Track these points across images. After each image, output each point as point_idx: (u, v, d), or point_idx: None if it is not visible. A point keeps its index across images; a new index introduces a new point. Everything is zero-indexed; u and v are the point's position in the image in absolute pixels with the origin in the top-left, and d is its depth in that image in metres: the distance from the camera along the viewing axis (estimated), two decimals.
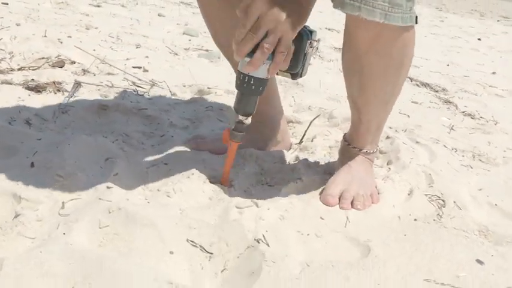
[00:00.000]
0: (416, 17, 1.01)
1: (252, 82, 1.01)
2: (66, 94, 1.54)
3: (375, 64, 1.05)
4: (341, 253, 0.95)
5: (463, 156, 1.52)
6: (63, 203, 0.97)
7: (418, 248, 0.99)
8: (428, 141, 1.56)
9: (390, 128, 1.65)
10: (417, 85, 2.43)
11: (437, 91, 2.38)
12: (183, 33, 2.88)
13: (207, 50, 2.48)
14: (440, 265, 0.94)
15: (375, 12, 0.93)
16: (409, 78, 2.53)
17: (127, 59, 2.08)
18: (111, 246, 0.89)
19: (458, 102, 2.19)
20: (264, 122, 1.31)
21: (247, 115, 1.06)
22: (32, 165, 1.09)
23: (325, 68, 2.52)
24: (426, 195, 1.20)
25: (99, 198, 0.98)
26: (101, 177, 1.09)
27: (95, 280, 0.78)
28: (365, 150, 1.19)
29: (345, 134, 1.26)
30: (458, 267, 0.94)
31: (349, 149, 1.21)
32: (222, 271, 0.89)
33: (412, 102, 2.12)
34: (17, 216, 0.91)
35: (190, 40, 2.73)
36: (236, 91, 1.05)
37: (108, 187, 1.04)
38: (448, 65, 3.25)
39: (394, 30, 0.98)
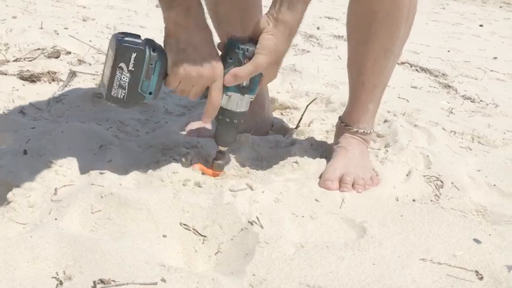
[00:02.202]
0: None
1: (226, 115, 1.05)
2: (61, 84, 1.53)
3: (388, 10, 1.07)
4: (336, 234, 0.94)
5: (462, 138, 1.50)
6: (55, 189, 0.97)
7: (415, 228, 0.98)
8: (427, 124, 1.55)
9: (388, 112, 1.64)
10: (416, 70, 2.40)
11: (437, 76, 2.35)
12: None
13: None
14: (437, 244, 0.93)
15: None
16: (409, 63, 2.51)
17: None
18: (103, 231, 0.88)
19: (458, 87, 2.17)
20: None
21: (227, 145, 1.09)
22: (25, 152, 1.08)
23: (323, 55, 2.50)
24: (424, 176, 1.19)
25: (92, 184, 0.97)
26: (94, 163, 1.09)
27: (86, 263, 0.77)
28: (362, 131, 1.18)
29: (340, 115, 1.25)
30: (455, 246, 0.93)
31: (345, 129, 1.20)
32: (216, 253, 0.88)
33: (411, 87, 2.10)
34: (8, 202, 0.91)
35: None
36: None
37: (101, 173, 1.03)
38: (448, 51, 3.22)
39: None
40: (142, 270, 0.77)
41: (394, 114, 1.62)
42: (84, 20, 2.53)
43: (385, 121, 1.50)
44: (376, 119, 1.51)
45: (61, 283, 0.73)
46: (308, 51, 2.57)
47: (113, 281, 0.74)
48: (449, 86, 2.16)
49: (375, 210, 1.02)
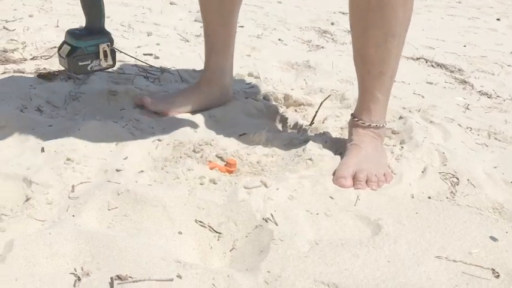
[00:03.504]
0: None
1: None
2: (77, 81, 1.55)
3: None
4: (351, 231, 0.94)
5: (478, 134, 1.49)
6: (73, 186, 0.98)
7: (430, 225, 0.97)
8: (443, 121, 1.53)
9: (404, 108, 1.63)
10: (432, 66, 2.38)
11: (452, 71, 2.33)
12: (195, 20, 2.87)
13: None
14: (453, 242, 0.93)
15: None
16: (424, 59, 2.48)
17: (138, 47, 2.08)
18: (120, 227, 0.89)
19: (474, 82, 2.15)
20: (214, 80, 1.45)
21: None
22: (42, 150, 1.10)
23: (338, 51, 2.49)
24: (440, 173, 1.18)
25: (108, 181, 0.99)
26: (111, 161, 1.10)
27: (104, 260, 0.78)
28: (374, 124, 1.18)
29: (352, 113, 1.25)
30: (471, 244, 0.93)
31: (357, 124, 1.20)
32: (231, 250, 0.89)
33: (426, 82, 2.08)
34: (27, 199, 0.92)
35: (202, 27, 2.72)
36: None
37: (117, 170, 1.04)
38: (464, 46, 3.18)
39: None
40: (158, 266, 0.78)
41: (410, 111, 1.61)
42: None
43: (400, 117, 1.49)
44: (392, 116, 1.51)
45: (79, 279, 0.74)
46: (322, 47, 2.56)
47: (130, 277, 0.75)
48: (465, 82, 2.14)
49: (390, 208, 1.02)
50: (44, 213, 0.90)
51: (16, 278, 0.72)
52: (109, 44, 1.25)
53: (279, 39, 2.62)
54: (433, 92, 1.94)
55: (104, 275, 0.75)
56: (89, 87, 1.50)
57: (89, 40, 1.22)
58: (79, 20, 2.41)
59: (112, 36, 1.28)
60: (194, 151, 1.14)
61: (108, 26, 2.46)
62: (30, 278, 0.73)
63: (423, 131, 1.38)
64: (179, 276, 0.76)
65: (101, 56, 1.23)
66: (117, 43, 2.03)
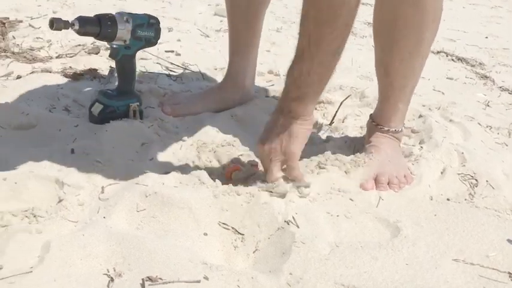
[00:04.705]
0: None
1: None
2: (102, 81, 1.59)
3: (410, 16, 1.07)
4: (370, 234, 0.97)
5: (498, 133, 1.49)
6: (102, 187, 1.03)
7: (449, 227, 1.00)
8: (462, 119, 1.54)
9: (423, 106, 1.63)
10: (452, 60, 2.37)
11: (473, 65, 2.32)
12: (214, 14, 2.89)
13: None
14: (471, 245, 0.95)
15: None
16: (445, 53, 2.47)
17: (160, 43, 2.11)
18: (148, 229, 0.93)
19: (495, 77, 2.13)
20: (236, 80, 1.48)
21: None
22: (72, 151, 1.14)
23: (357, 45, 2.49)
24: (459, 174, 1.20)
25: (136, 183, 1.03)
26: (137, 162, 1.14)
27: (134, 261, 0.82)
28: (393, 129, 1.20)
29: (371, 114, 1.26)
30: (488, 247, 0.95)
31: (376, 128, 1.22)
32: (254, 252, 0.92)
33: (447, 78, 2.08)
34: (60, 201, 0.97)
35: (221, 21, 2.74)
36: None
37: (144, 171, 1.08)
38: (486, 37, 3.14)
39: None
40: (186, 268, 0.82)
41: (429, 109, 1.62)
42: None
43: (420, 116, 1.51)
44: (411, 114, 1.52)
45: (112, 280, 0.79)
46: None
47: (160, 278, 0.79)
48: (486, 77, 2.13)
49: (409, 210, 1.05)
50: (76, 214, 0.95)
51: (54, 278, 0.76)
52: (138, 104, 1.32)
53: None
54: (453, 88, 1.94)
55: (135, 276, 0.80)
56: (114, 87, 1.54)
57: (120, 100, 1.29)
58: None
59: (141, 97, 1.36)
60: (216, 152, 1.18)
61: None
62: (67, 278, 0.77)
63: (443, 131, 1.39)
64: (206, 278, 0.80)
65: (131, 114, 1.30)
66: None
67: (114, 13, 1.25)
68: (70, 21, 1.15)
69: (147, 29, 1.29)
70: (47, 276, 0.76)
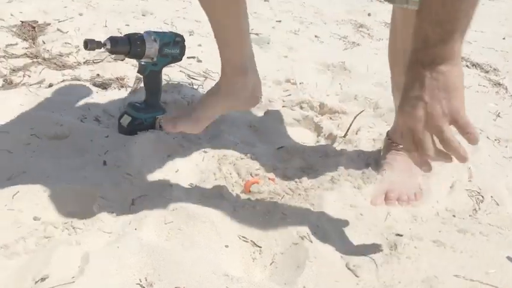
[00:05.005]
0: None
1: None
2: (129, 89, 1.69)
3: None
4: (377, 249, 1.05)
5: (506, 147, 1.55)
6: (132, 200, 1.12)
7: (453, 244, 1.07)
8: None
9: None
10: (467, 66, 2.41)
11: (487, 72, 2.35)
12: None
13: (257, 34, 2.55)
14: (472, 261, 1.02)
15: None
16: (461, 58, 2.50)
17: None
18: (175, 241, 1.02)
19: (508, 85, 2.17)
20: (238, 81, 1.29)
21: None
22: (104, 163, 1.24)
23: (373, 49, 2.54)
24: (467, 190, 1.26)
25: (164, 196, 1.12)
26: (164, 174, 1.23)
27: (164, 272, 0.92)
28: None
29: (388, 131, 1.33)
30: (488, 263, 1.02)
31: (392, 146, 1.28)
32: (271, 264, 1.01)
33: None
34: (95, 213, 1.07)
35: None
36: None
37: (170, 184, 1.18)
38: (503, 39, 3.15)
39: None
40: (209, 280, 0.91)
41: None
42: (143, 15, 2.67)
43: None
44: None
45: None
46: (358, 44, 2.61)
47: None
48: (499, 84, 2.17)
49: (414, 226, 1.12)
50: (110, 225, 1.05)
51: None
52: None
53: (316, 36, 2.69)
54: (466, 97, 1.98)
55: (165, 286, 0.89)
56: (141, 96, 1.64)
57: (148, 113, 1.40)
58: (125, 19, 2.55)
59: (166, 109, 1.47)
60: (236, 165, 1.27)
61: (152, 24, 2.59)
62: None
63: None
64: None
65: (157, 126, 1.40)
66: None
67: (142, 32, 1.33)
68: (102, 42, 1.24)
69: (173, 47, 1.38)
70: (89, 287, 0.86)
